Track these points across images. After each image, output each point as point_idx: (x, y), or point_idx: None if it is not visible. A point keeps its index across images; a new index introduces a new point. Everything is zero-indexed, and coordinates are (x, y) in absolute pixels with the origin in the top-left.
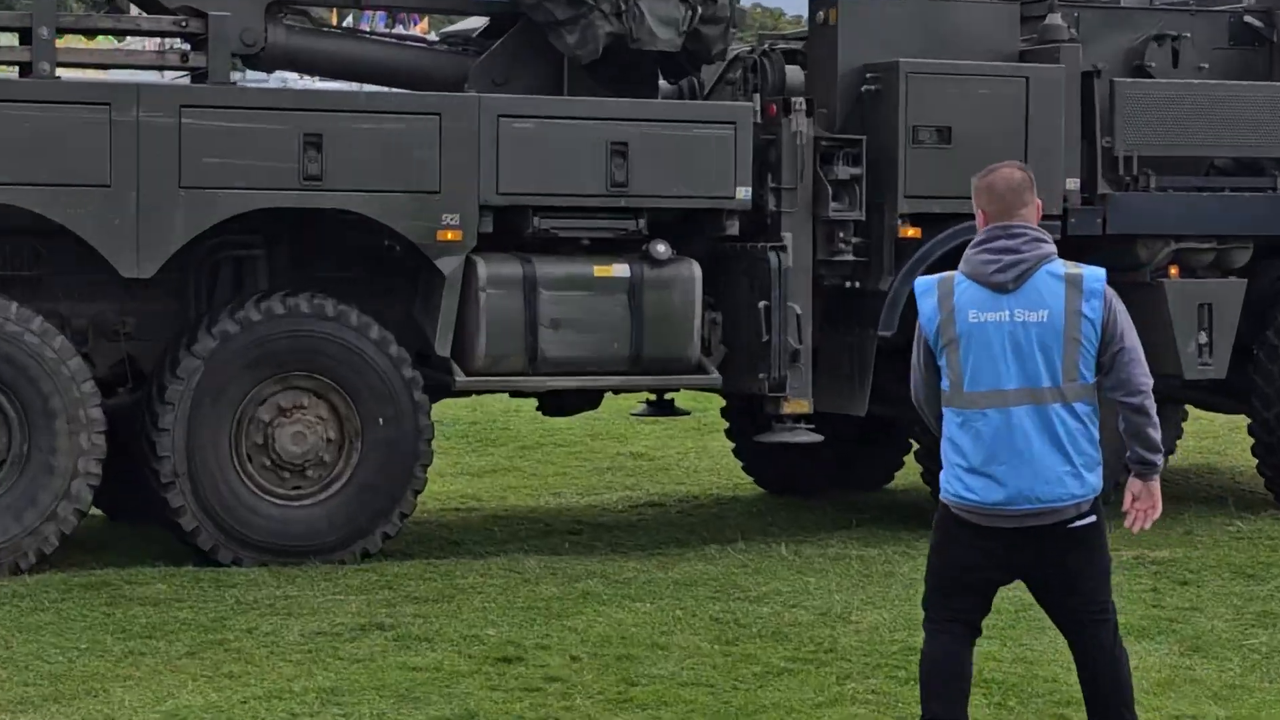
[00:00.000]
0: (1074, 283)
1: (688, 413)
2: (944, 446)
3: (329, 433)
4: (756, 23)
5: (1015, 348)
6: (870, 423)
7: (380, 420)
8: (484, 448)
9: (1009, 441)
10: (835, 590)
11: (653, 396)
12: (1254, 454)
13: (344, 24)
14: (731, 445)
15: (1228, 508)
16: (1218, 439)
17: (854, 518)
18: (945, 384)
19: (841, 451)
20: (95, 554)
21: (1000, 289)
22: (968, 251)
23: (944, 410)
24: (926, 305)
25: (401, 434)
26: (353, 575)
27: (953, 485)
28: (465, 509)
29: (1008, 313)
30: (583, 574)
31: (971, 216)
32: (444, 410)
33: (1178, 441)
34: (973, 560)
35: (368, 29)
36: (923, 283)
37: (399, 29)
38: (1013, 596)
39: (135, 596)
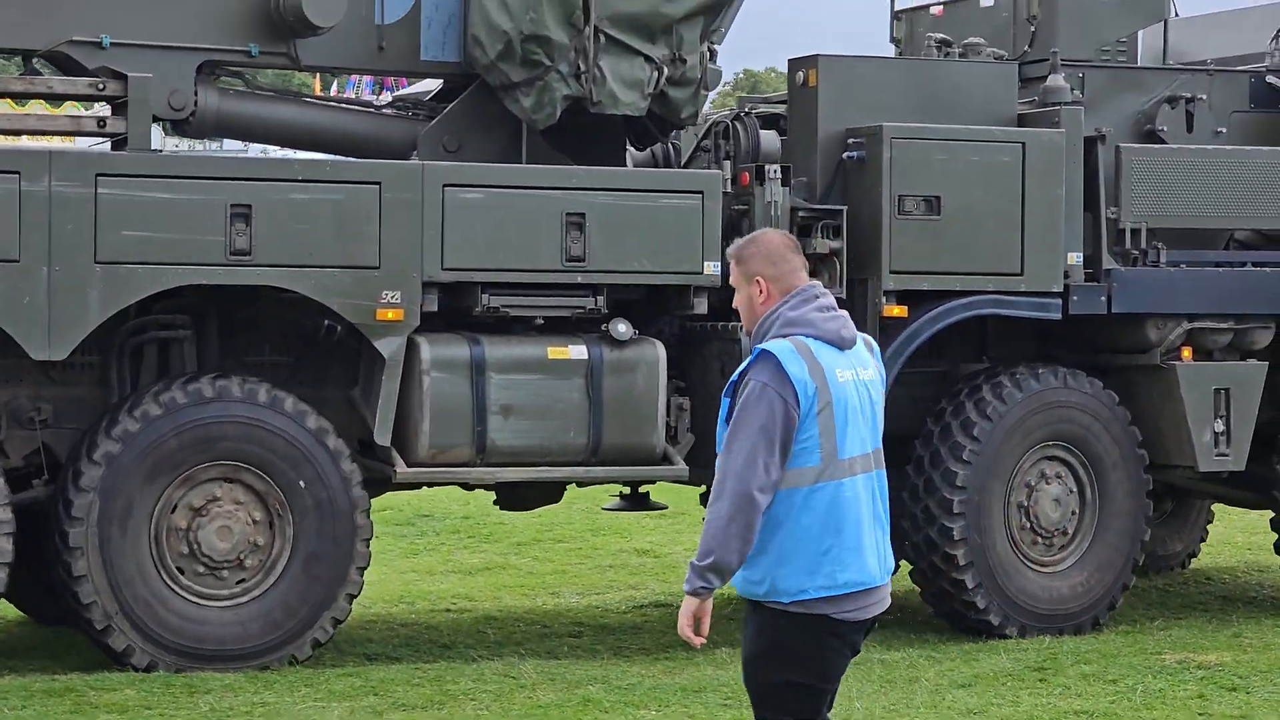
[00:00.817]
0: (868, 342)
1: (664, 506)
2: (792, 535)
3: (257, 536)
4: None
5: (862, 407)
6: None
7: (311, 503)
8: (477, 544)
9: (870, 510)
10: (855, 697)
11: (626, 489)
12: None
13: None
14: None
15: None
16: (1267, 534)
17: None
18: (814, 458)
19: None
20: (58, 657)
21: (844, 345)
22: (798, 313)
23: (794, 491)
24: (797, 370)
25: (337, 532)
26: (335, 680)
27: (820, 576)
28: (457, 609)
29: (853, 371)
30: (583, 679)
31: (963, 293)
32: (436, 505)
33: (1202, 543)
34: (839, 667)
35: (353, 94)
36: (779, 348)
37: (386, 94)
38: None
39: (102, 704)
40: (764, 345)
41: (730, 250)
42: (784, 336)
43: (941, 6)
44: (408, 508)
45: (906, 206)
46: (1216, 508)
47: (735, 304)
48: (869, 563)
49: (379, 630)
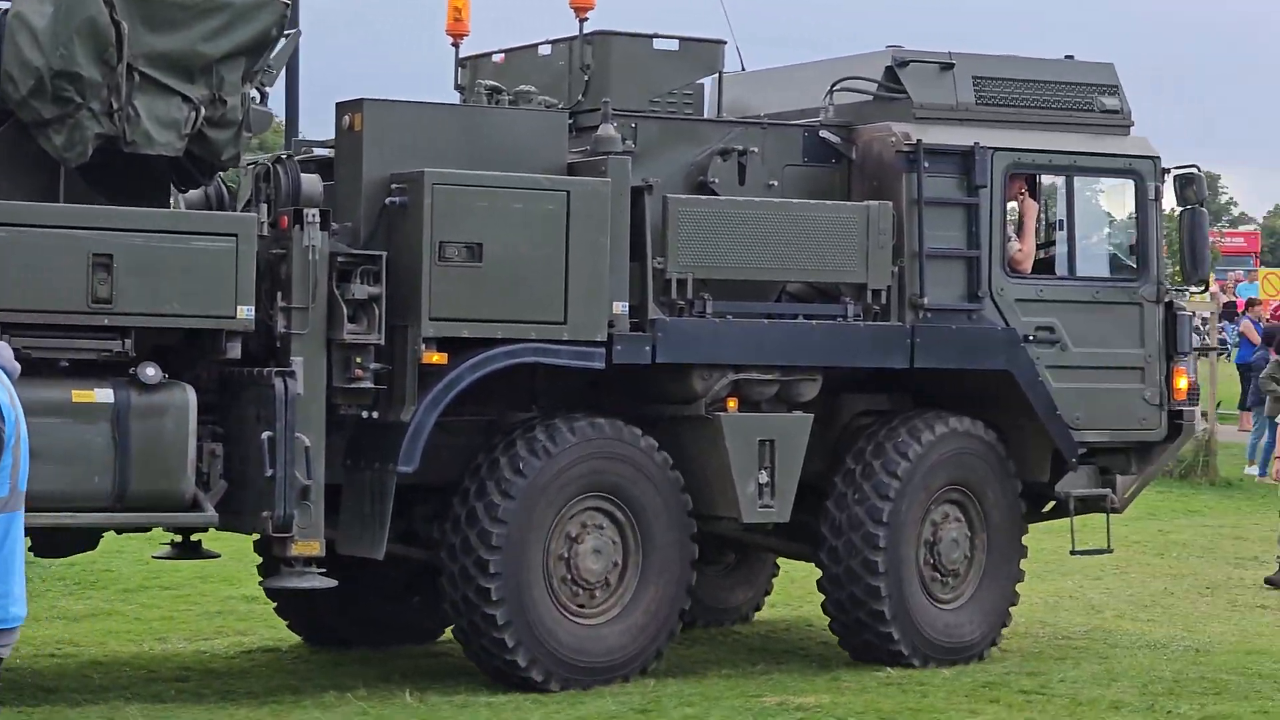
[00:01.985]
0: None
1: (216, 555)
2: None
3: None
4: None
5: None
6: (425, 568)
7: None
8: (83, 590)
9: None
10: None
11: (177, 537)
12: (825, 610)
13: None
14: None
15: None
16: None
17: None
18: (4, 489)
19: (386, 599)
20: None
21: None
22: None
23: None
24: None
25: None
26: None
27: None
28: (61, 654)
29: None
30: None
31: (505, 341)
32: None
33: (766, 595)
34: None
35: None
36: None
37: None
38: None
39: None
40: None
41: None
42: None
43: (503, 54)
44: None
45: (447, 253)
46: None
47: None
48: (21, 599)
49: None
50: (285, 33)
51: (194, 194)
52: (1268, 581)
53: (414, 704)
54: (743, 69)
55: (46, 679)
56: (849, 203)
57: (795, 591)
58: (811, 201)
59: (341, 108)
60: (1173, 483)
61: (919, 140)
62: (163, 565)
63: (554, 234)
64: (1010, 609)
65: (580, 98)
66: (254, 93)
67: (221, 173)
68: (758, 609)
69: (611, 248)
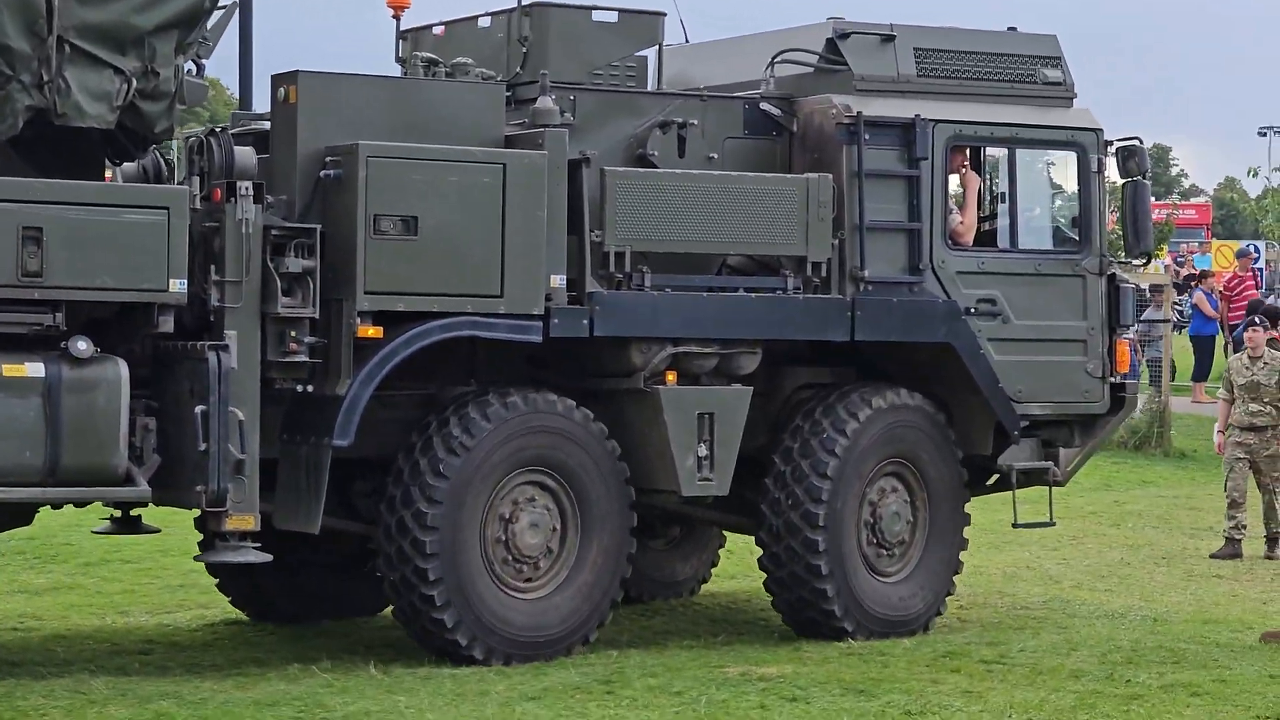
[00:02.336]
0: None
1: (156, 529)
2: None
3: None
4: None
5: None
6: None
7: None
8: (43, 564)
9: None
10: (428, 709)
11: (116, 511)
12: (766, 589)
13: None
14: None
15: None
16: None
17: None
18: None
19: (335, 573)
20: None
21: None
22: None
23: None
24: None
25: None
26: None
27: None
28: (24, 629)
29: None
30: (155, 695)
31: (441, 315)
32: None
33: (714, 568)
34: None
35: None
36: None
37: None
38: None
39: None
40: None
41: None
42: None
43: (443, 27)
44: None
45: (382, 226)
46: None
47: None
48: None
49: None
50: (220, 4)
51: (131, 167)
52: (1214, 557)
53: (378, 676)
54: (686, 41)
55: (10, 652)
56: (788, 175)
57: (754, 563)
58: (750, 174)
59: (276, 80)
60: (1127, 454)
61: (859, 113)
62: (123, 539)
63: (490, 207)
64: (954, 578)
65: (518, 70)
66: (191, 65)
67: (159, 145)
68: (704, 582)
69: (548, 221)
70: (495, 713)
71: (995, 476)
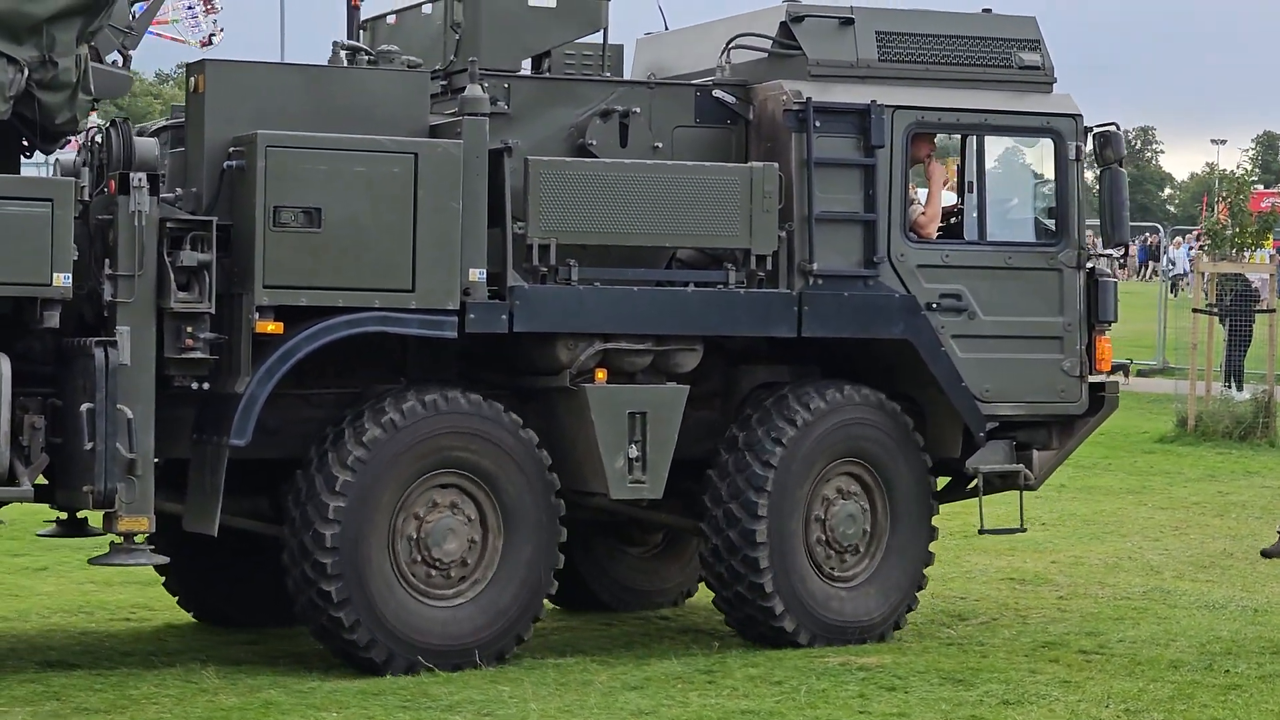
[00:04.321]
0: None
1: (100, 532)
2: None
3: None
4: None
5: None
6: None
7: None
8: None
9: None
10: (531, 699)
11: (63, 514)
12: (707, 585)
13: None
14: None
15: (940, 614)
16: None
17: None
18: None
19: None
20: None
21: None
22: None
23: None
24: None
25: None
26: (16, 686)
27: None
28: (135, 619)
29: None
30: (263, 684)
31: (348, 310)
32: None
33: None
34: None
35: None
36: None
37: None
38: None
39: None
40: None
41: None
42: None
43: (395, 15)
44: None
45: (283, 218)
46: None
47: None
48: None
49: (59, 639)
50: None
51: (67, 159)
52: (1265, 554)
53: (482, 666)
54: (666, 28)
55: (122, 642)
56: (730, 164)
57: None
58: (689, 163)
59: (189, 69)
60: (1232, 444)
61: (809, 98)
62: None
63: (400, 198)
64: (918, 589)
65: (453, 57)
66: (117, 56)
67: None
68: (689, 595)
69: (466, 212)
70: (598, 701)
71: (979, 481)
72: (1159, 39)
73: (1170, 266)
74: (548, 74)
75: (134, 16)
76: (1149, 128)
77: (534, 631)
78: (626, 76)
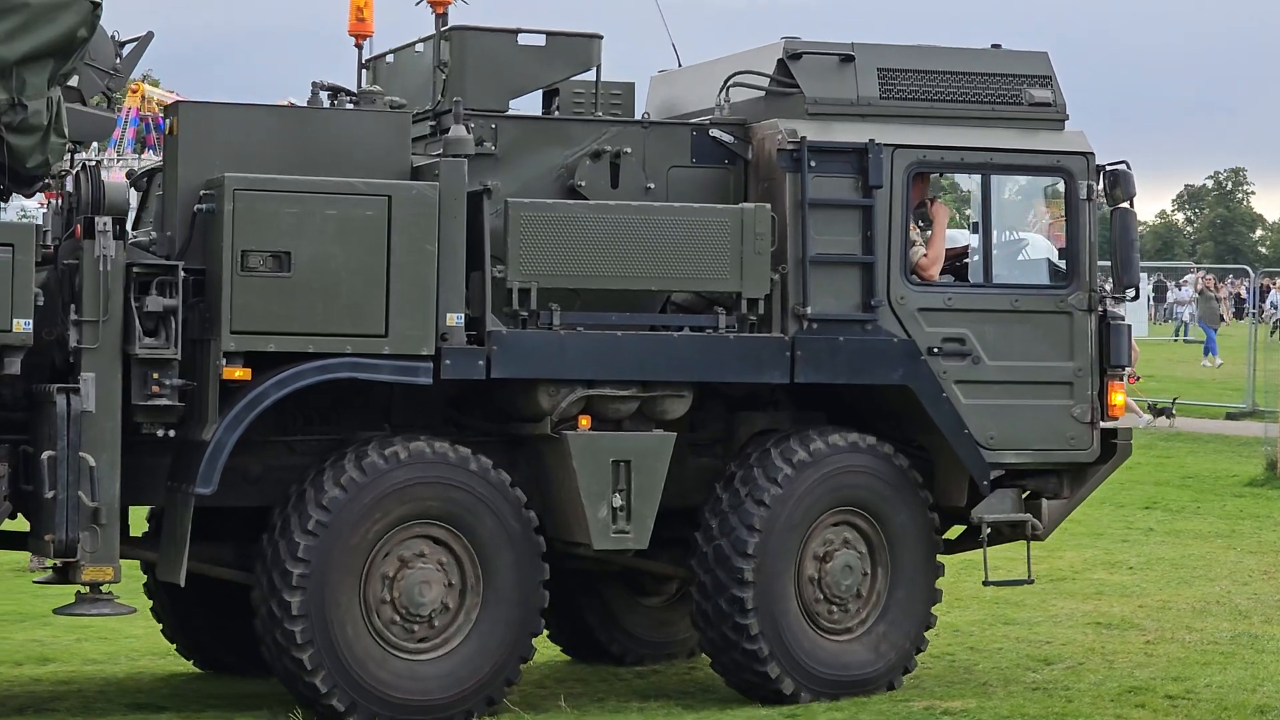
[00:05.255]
0: None
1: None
2: None
3: None
4: None
5: None
6: None
7: None
8: None
9: None
10: None
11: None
12: (701, 648)
13: None
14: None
15: (1025, 659)
16: None
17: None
18: None
19: None
20: None
21: None
22: None
23: None
24: None
25: None
26: None
27: None
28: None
29: None
30: None
31: (318, 356)
32: None
33: None
34: None
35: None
36: None
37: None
38: None
39: None
40: None
41: None
42: None
43: (394, 55)
44: None
45: (251, 263)
46: None
47: None
48: None
49: (147, 682)
50: (134, 37)
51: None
52: None
53: (568, 710)
54: (679, 65)
55: (210, 686)
56: (720, 205)
57: None
58: (676, 205)
59: (167, 111)
60: None
61: (803, 138)
62: None
63: (373, 241)
64: (922, 639)
65: (440, 98)
66: (104, 98)
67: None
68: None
69: (444, 255)
70: None
71: (984, 531)
72: (1250, 80)
73: (1274, 310)
74: (537, 114)
75: (120, 59)
76: (1239, 169)
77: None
78: (638, 115)
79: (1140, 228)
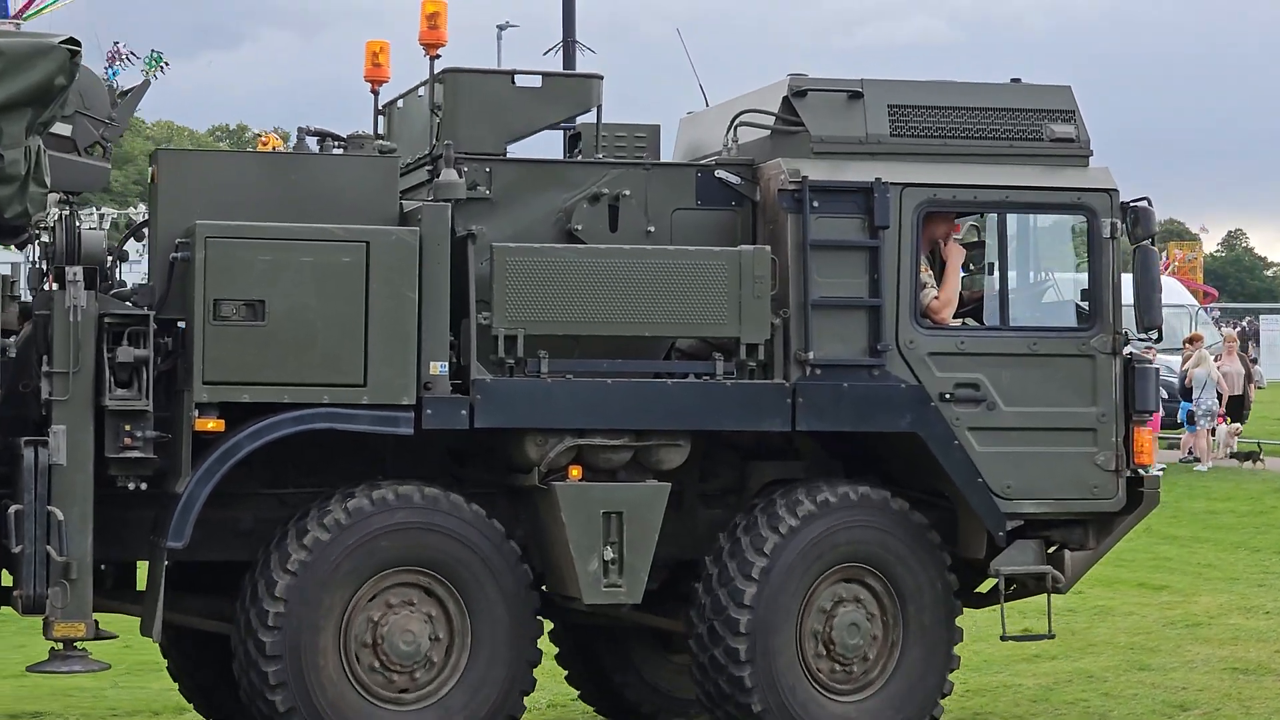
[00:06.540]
0: None
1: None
2: None
3: None
4: None
5: None
6: None
7: None
8: None
9: None
10: None
11: None
12: (699, 701)
13: None
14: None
15: (1161, 705)
16: None
17: None
18: None
19: None
20: None
21: None
22: None
23: None
24: None
25: None
26: None
27: None
28: None
29: None
30: None
31: (294, 406)
32: None
33: None
34: None
35: None
36: None
37: None
38: None
39: None
40: None
41: None
42: None
43: (402, 100)
44: None
45: (224, 311)
46: None
47: None
48: None
49: None
50: (130, 87)
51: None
52: None
53: None
54: (707, 105)
55: None
56: (718, 248)
57: None
58: (671, 248)
59: (151, 158)
60: None
61: (805, 177)
62: None
63: (351, 289)
64: (937, 705)
65: (435, 141)
66: (100, 147)
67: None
68: None
69: (427, 302)
70: None
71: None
72: None
73: None
74: (533, 157)
75: (115, 106)
76: None
77: None
78: (665, 157)
79: None
